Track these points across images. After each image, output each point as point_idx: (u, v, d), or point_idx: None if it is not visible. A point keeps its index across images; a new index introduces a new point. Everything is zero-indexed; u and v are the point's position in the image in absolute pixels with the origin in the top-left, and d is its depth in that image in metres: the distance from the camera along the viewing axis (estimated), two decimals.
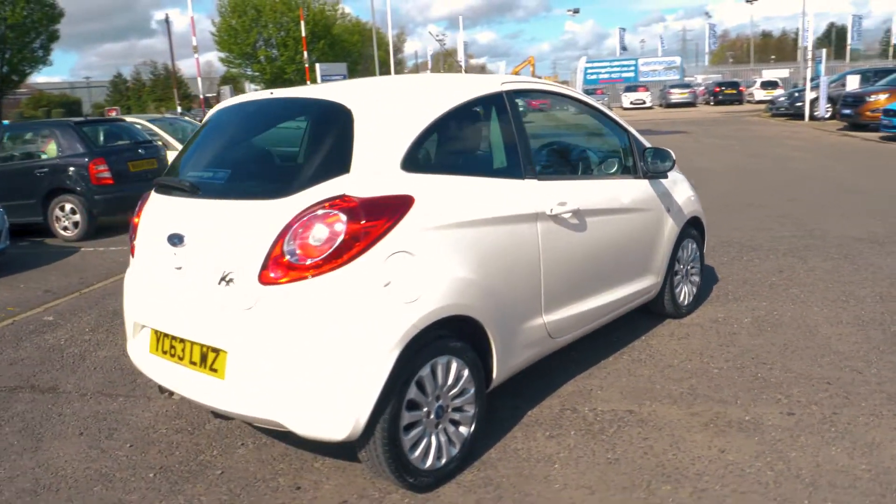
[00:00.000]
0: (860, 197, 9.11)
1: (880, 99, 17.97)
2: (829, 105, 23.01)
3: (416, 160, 2.83)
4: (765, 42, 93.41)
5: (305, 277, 2.53)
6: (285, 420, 2.58)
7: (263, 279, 2.59)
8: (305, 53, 28.08)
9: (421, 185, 2.76)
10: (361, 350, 2.51)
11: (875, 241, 6.56)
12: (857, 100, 18.59)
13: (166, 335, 2.98)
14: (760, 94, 39.52)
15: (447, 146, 3.20)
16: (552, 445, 3.11)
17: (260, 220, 2.65)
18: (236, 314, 2.65)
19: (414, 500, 2.77)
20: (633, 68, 47.46)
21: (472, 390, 2.92)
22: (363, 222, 2.53)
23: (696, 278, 4.82)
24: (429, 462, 2.78)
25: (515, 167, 3.26)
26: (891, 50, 48.66)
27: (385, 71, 35.11)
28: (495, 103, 3.32)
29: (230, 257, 2.69)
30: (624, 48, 43.35)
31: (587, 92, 44.50)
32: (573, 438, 3.16)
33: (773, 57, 67.28)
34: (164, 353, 3.00)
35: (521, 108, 3.43)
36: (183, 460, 3.18)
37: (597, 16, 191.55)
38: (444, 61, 62.68)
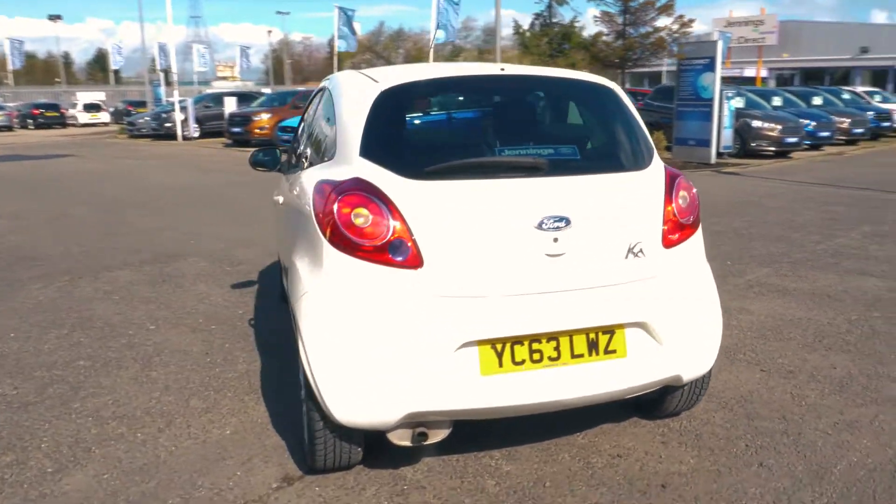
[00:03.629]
0: None
1: (263, 118, 21.13)
2: (196, 125, 25.11)
3: None
4: (30, 63, 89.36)
5: (691, 235, 2.81)
6: (684, 371, 2.77)
7: (666, 243, 2.71)
8: None
9: None
10: (715, 285, 2.97)
11: None
12: (244, 119, 21.24)
13: (522, 340, 2.50)
14: (85, 117, 39.35)
15: None
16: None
17: (641, 189, 2.74)
18: (647, 283, 2.65)
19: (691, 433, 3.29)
20: None
21: None
22: None
23: None
24: None
25: None
26: (162, 75, 53.92)
27: None
28: None
29: (632, 229, 2.64)
30: None
31: None
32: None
33: (57, 79, 65.47)
34: (518, 363, 2.51)
35: None
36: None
37: None
38: None
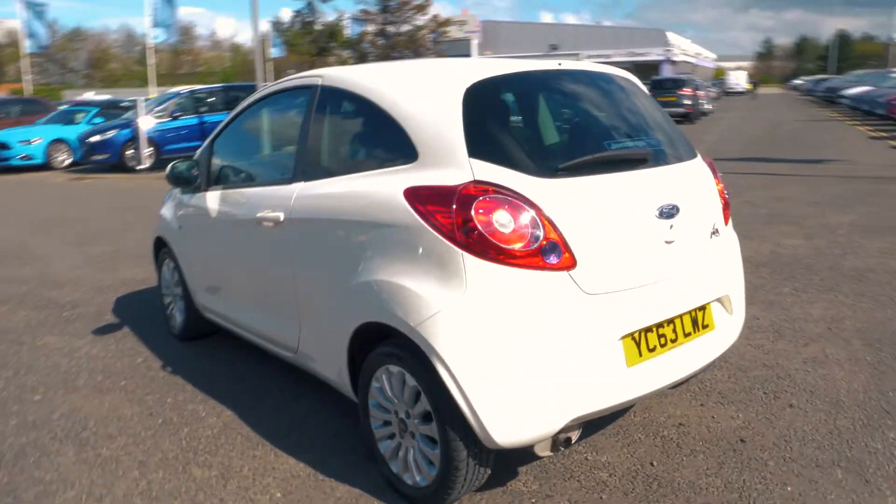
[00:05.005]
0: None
1: None
2: None
3: None
4: None
5: (729, 212, 3.13)
6: (738, 334, 3.09)
7: (725, 220, 3.00)
8: None
9: None
10: None
11: None
12: None
13: (651, 329, 2.58)
14: None
15: None
16: None
17: (704, 173, 3.00)
18: (723, 259, 2.91)
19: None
20: None
21: None
22: None
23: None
24: None
25: None
26: None
27: None
28: None
29: (711, 211, 2.88)
30: None
31: None
32: None
33: None
34: (651, 350, 2.57)
35: None
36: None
37: None
38: None
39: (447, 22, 14.77)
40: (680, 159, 2.92)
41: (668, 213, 2.63)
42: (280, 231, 3.14)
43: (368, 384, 2.76)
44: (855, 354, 3.89)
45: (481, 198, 2.34)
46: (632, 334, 2.53)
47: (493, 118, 2.60)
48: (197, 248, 4.09)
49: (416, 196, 2.47)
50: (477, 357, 2.31)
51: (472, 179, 2.39)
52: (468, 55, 15.74)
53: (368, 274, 2.61)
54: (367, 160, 2.92)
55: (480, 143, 2.47)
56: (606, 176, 2.59)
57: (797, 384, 3.55)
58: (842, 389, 3.46)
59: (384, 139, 2.78)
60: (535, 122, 2.79)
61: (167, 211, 4.52)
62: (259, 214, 3.27)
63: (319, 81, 3.19)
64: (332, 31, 13.01)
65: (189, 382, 3.94)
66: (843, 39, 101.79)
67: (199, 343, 4.55)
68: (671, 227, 2.64)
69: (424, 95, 2.67)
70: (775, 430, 3.10)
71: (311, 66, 15.39)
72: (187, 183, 4.03)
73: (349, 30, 15.77)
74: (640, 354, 2.56)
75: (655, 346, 2.61)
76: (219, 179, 3.92)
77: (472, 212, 2.32)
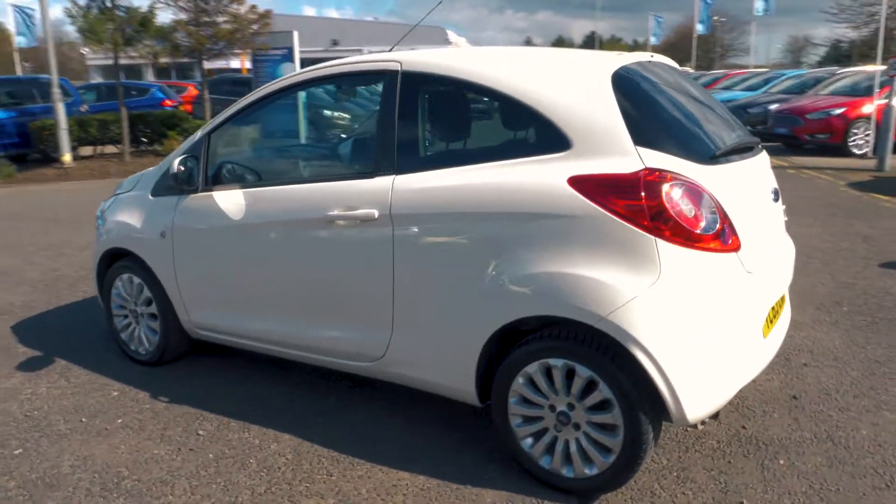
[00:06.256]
0: None
1: None
2: None
3: None
4: None
5: None
6: None
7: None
8: None
9: None
10: None
11: None
12: None
13: (772, 305, 2.86)
14: None
15: None
16: None
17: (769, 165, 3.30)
18: (789, 244, 3.27)
19: None
20: None
21: None
22: None
23: None
24: None
25: None
26: None
27: None
28: None
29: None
30: None
31: None
32: None
33: None
34: (770, 323, 2.86)
35: None
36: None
37: None
38: None
39: (268, 14, 14.24)
40: (760, 148, 3.24)
41: (776, 196, 2.95)
42: (372, 229, 2.94)
43: (510, 382, 2.73)
44: (815, 317, 4.55)
45: (667, 184, 2.45)
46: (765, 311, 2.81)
47: (646, 106, 2.71)
48: (202, 259, 3.63)
49: (587, 184, 2.50)
50: (676, 339, 2.43)
51: (645, 167, 2.48)
52: (290, 48, 15.22)
53: (523, 267, 2.58)
54: (495, 149, 2.86)
55: (642, 130, 2.56)
56: (742, 163, 2.83)
57: (794, 346, 4.09)
58: (830, 347, 4.06)
59: (517, 127, 2.76)
60: (674, 110, 2.87)
61: (128, 217, 3.95)
62: (332, 213, 3.03)
63: (398, 67, 3.01)
64: (143, 20, 11.62)
65: (203, 410, 3.52)
66: (594, 41, 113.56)
67: (172, 367, 4.06)
68: (778, 209, 2.96)
69: (568, 82, 2.69)
70: (811, 386, 3.57)
71: (116, 57, 13.89)
72: (184, 184, 3.58)
73: (158, 18, 14.27)
74: (769, 328, 2.84)
75: (770, 321, 2.91)
76: (225, 178, 3.53)
77: (662, 198, 2.42)
